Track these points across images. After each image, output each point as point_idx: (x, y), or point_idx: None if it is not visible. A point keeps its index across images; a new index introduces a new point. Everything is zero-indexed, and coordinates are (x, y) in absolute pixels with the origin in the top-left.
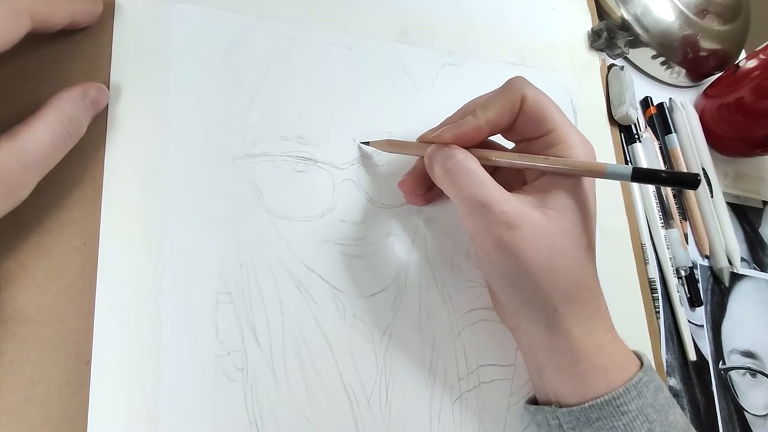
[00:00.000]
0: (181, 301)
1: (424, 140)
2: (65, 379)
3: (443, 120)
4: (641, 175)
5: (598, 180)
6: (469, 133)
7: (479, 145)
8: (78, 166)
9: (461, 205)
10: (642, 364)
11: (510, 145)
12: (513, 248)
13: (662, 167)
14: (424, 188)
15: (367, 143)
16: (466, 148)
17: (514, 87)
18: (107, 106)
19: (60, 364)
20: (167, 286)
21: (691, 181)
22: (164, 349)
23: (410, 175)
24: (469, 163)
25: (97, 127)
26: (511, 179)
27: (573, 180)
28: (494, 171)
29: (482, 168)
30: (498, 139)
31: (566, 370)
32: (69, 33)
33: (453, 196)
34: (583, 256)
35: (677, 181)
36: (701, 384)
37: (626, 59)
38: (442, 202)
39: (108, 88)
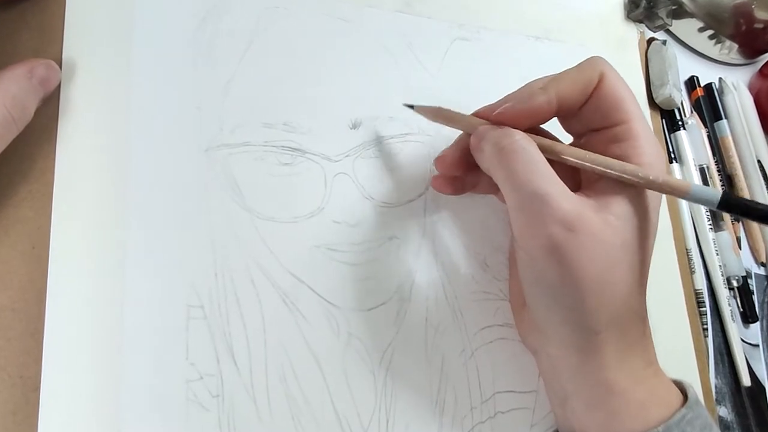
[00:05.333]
0: (146, 316)
1: (480, 116)
2: (10, 408)
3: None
4: (731, 205)
5: None
6: (536, 108)
7: (533, 131)
8: (24, 157)
9: (512, 192)
10: (686, 397)
11: (567, 138)
12: (567, 255)
13: (710, 158)
14: (462, 169)
15: (411, 107)
16: (530, 130)
17: (593, 63)
18: (59, 86)
19: (3, 390)
20: (129, 298)
21: None
22: (125, 372)
23: (452, 149)
24: (528, 145)
25: (47, 111)
26: (564, 178)
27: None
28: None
29: (543, 156)
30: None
31: (596, 403)
32: (14, 2)
33: (503, 180)
34: (637, 275)
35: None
36: (757, 414)
37: (668, 32)
38: (455, 200)
39: (60, 66)
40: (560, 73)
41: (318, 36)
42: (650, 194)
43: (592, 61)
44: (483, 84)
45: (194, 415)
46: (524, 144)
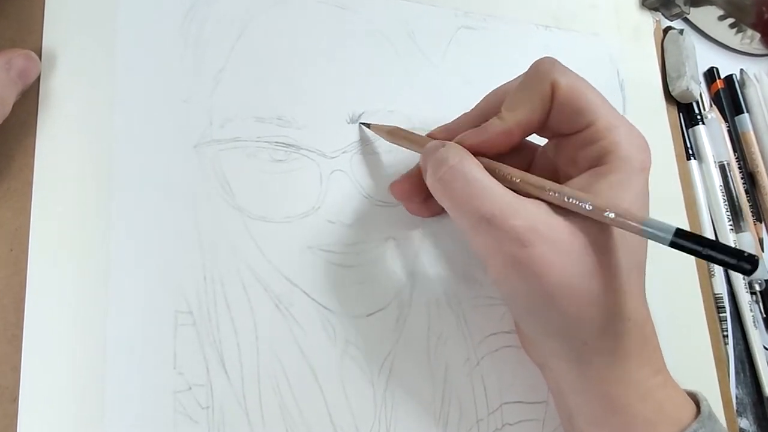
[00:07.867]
0: (131, 323)
1: (436, 138)
2: None
3: (458, 117)
4: (684, 238)
5: (652, 170)
6: (495, 139)
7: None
8: (2, 154)
9: (459, 219)
10: (699, 411)
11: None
12: (530, 269)
13: (731, 154)
14: (422, 195)
15: (368, 125)
16: (494, 156)
17: (540, 74)
18: (38, 79)
19: None
20: (114, 303)
21: (743, 265)
22: (110, 382)
23: (406, 177)
24: (466, 167)
25: (26, 105)
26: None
27: (620, 175)
28: (529, 165)
29: (485, 172)
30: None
31: (600, 421)
32: None
33: (448, 209)
34: (624, 277)
35: (725, 260)
36: None
37: (686, 21)
38: None
39: (39, 56)
40: (513, 94)
41: (314, 24)
42: (635, 180)
43: (539, 72)
44: (488, 76)
45: (182, 428)
46: (461, 168)
